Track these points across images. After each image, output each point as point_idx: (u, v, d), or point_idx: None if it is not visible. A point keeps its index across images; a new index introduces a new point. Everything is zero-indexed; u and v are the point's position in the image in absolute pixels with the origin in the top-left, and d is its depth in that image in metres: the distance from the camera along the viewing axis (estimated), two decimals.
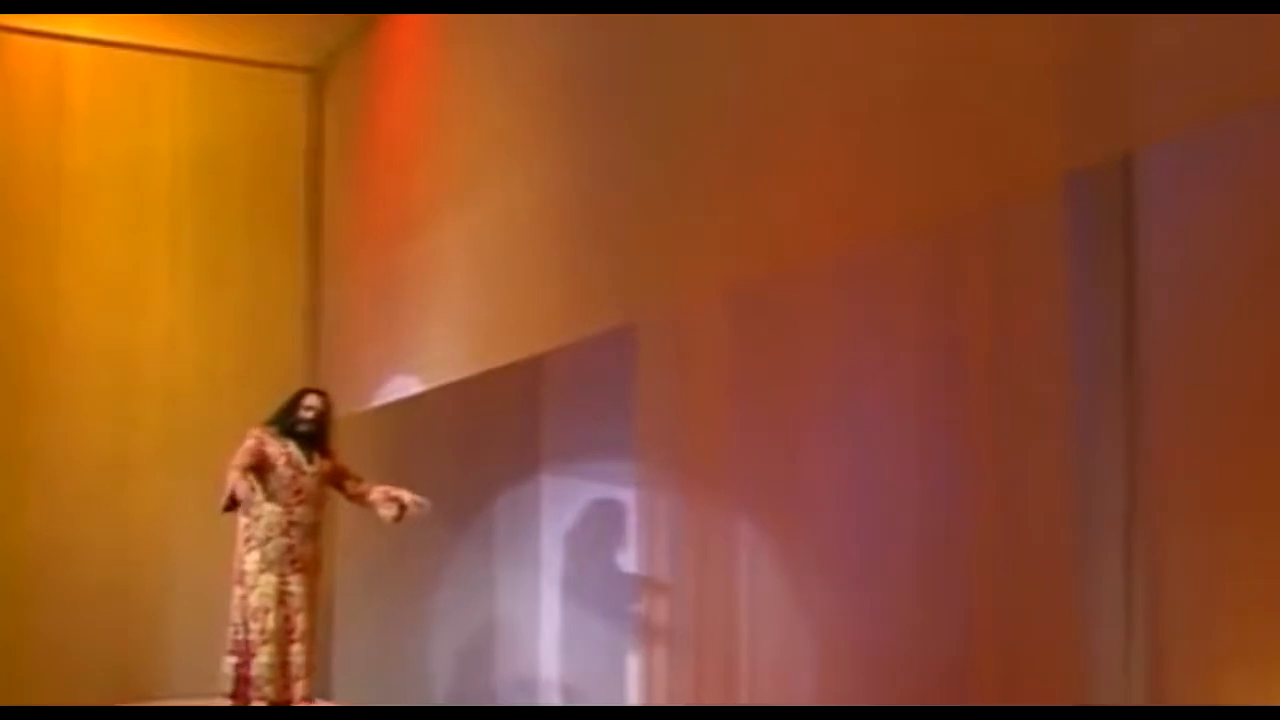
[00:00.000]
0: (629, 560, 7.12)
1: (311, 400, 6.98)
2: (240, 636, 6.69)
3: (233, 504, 6.67)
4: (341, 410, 7.63)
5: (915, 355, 4.69)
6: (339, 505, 7.21)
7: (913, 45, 4.08)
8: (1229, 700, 3.67)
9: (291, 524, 6.75)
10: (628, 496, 6.62)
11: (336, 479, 6.96)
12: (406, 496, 6.83)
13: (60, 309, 8.55)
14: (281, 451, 6.80)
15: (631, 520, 7.00)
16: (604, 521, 7.21)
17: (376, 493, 6.89)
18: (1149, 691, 3.86)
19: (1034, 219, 4.10)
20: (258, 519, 6.74)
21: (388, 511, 6.84)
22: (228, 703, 6.73)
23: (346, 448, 7.25)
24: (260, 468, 6.75)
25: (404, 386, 7.50)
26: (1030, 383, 4.31)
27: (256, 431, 6.84)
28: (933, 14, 3.98)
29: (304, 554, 6.76)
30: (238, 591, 6.73)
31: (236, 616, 6.71)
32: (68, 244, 8.59)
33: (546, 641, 7.78)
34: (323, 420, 6.96)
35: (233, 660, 6.67)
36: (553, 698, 7.58)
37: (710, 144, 5.02)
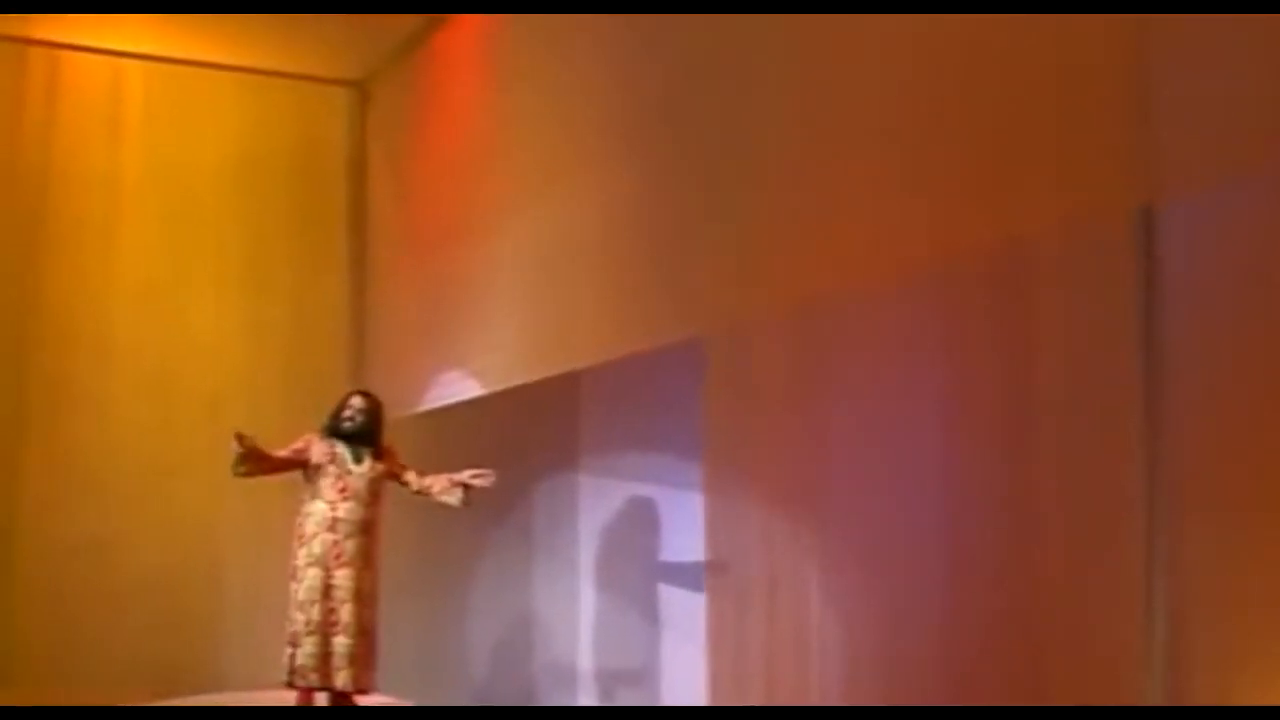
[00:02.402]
0: (666, 558, 7.36)
1: (355, 401, 7.26)
2: (294, 628, 6.97)
3: (243, 465, 6.99)
4: (390, 414, 7.84)
5: (965, 374, 4.97)
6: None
7: (983, 66, 4.26)
8: (1248, 697, 3.90)
9: (336, 520, 7.01)
10: (678, 498, 6.84)
11: (395, 476, 7.20)
12: (467, 476, 7.07)
13: (109, 313, 8.77)
14: (327, 452, 7.09)
15: (671, 520, 7.26)
16: (649, 521, 7.44)
17: (439, 484, 7.13)
18: (1169, 687, 4.10)
19: (1101, 249, 4.38)
20: (308, 516, 7.05)
21: (453, 498, 7.10)
22: (289, 691, 7.03)
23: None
24: (305, 468, 7.08)
25: (452, 393, 7.73)
26: (1061, 398, 4.59)
27: (308, 435, 7.16)
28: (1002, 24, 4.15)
29: (348, 549, 6.99)
30: (293, 586, 7.01)
31: (292, 609, 6.99)
32: (120, 251, 8.81)
33: (584, 638, 7.99)
34: (369, 419, 7.21)
35: (289, 650, 6.96)
36: (590, 691, 7.79)
37: (775, 164, 5.16)
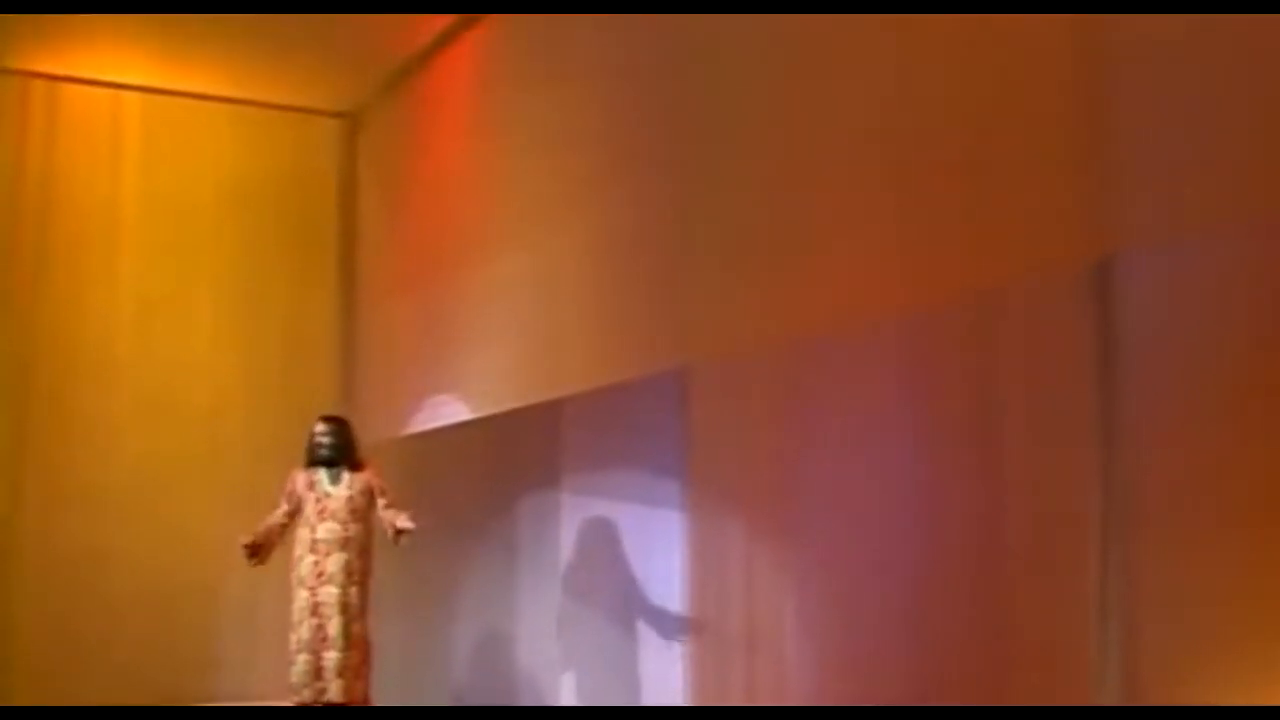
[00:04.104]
0: (645, 574, 7.59)
1: (320, 427, 7.62)
2: (290, 647, 7.33)
3: (255, 558, 7.37)
4: (378, 436, 8.10)
5: (937, 409, 5.27)
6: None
7: (952, 122, 4.42)
8: (1196, 698, 4.15)
9: (316, 541, 7.35)
10: (657, 516, 7.08)
11: (372, 495, 7.52)
12: (399, 522, 7.35)
13: (109, 335, 8.93)
14: (308, 481, 7.47)
15: (650, 538, 7.50)
16: (628, 539, 7.67)
17: (387, 518, 7.43)
18: (1124, 689, 4.37)
19: (1062, 299, 4.65)
20: (297, 541, 7.42)
21: (390, 534, 7.42)
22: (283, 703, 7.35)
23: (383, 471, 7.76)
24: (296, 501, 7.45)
25: (441, 416, 7.95)
26: (1042, 433, 4.86)
27: (292, 472, 7.53)
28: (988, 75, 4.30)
29: (330, 567, 7.31)
30: (292, 607, 7.37)
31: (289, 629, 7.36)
32: (119, 275, 8.98)
33: (566, 652, 8.20)
34: (338, 440, 7.57)
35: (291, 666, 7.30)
36: (570, 703, 8.01)
37: (759, 205, 5.29)
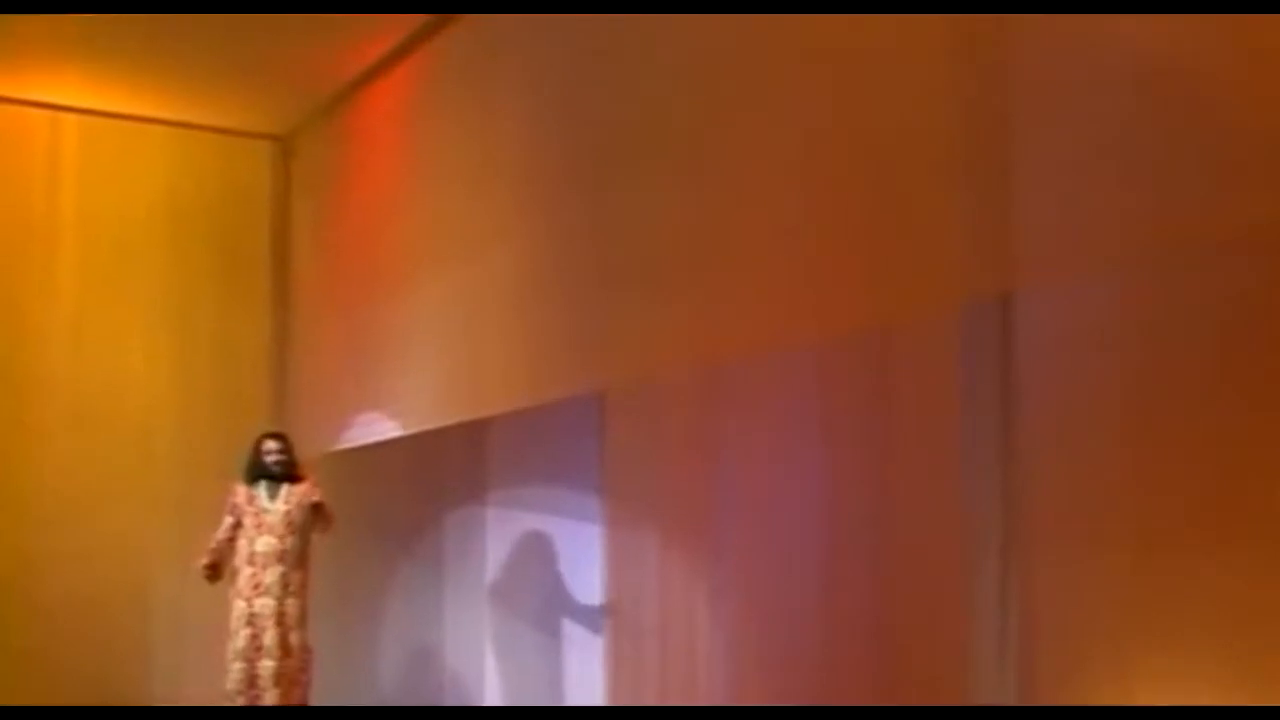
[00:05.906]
0: (567, 584, 7.84)
1: (272, 444, 7.81)
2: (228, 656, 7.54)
3: (212, 574, 7.62)
4: (310, 451, 8.28)
5: (847, 432, 5.56)
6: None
7: (857, 160, 4.60)
8: (1086, 697, 4.48)
9: (254, 554, 7.56)
10: (577, 529, 7.32)
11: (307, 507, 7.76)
12: (314, 497, 7.74)
13: (46, 348, 9.01)
14: (249, 496, 7.66)
15: (571, 549, 7.75)
16: (551, 551, 7.92)
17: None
18: (1020, 689, 4.69)
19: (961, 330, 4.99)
20: (236, 554, 7.60)
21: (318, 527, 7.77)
22: None
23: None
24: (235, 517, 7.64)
25: (370, 433, 8.14)
26: (934, 455, 5.18)
27: (233, 486, 7.71)
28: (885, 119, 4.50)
29: (266, 579, 7.51)
30: None
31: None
32: (56, 293, 9.07)
33: (490, 659, 8.42)
34: (290, 457, 7.79)
35: None
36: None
37: (672, 239, 5.47)
